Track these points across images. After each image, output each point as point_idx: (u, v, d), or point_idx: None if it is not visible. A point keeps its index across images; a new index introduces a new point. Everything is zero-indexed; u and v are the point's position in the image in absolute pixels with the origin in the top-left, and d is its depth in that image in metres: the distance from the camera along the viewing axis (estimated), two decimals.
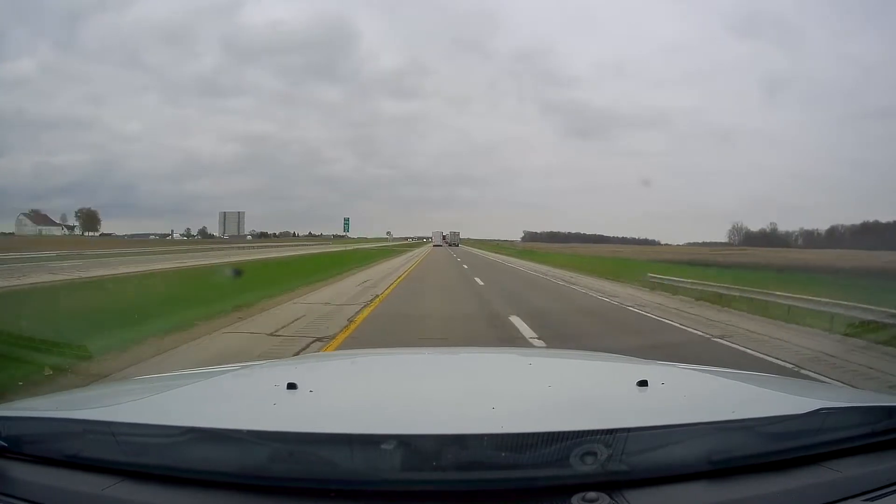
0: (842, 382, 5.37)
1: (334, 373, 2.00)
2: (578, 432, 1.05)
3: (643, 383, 1.46)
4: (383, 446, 1.03)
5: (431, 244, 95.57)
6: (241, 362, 2.45)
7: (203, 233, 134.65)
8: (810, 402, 1.31)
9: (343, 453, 1.06)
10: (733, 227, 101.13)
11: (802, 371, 5.95)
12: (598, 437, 1.04)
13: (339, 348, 6.68)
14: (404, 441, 1.05)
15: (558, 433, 1.05)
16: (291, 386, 1.39)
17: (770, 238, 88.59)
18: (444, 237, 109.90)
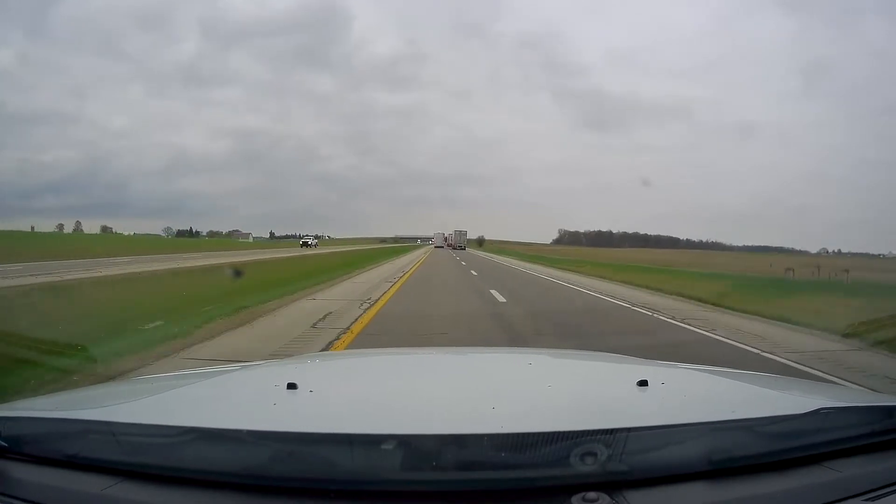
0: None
1: (334, 373, 2.00)
2: (578, 432, 1.06)
3: (643, 383, 1.46)
4: (383, 446, 1.03)
5: (432, 246, 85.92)
6: (240, 363, 2.45)
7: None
8: (810, 402, 1.31)
9: (343, 453, 1.06)
10: None
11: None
12: (598, 437, 1.04)
13: None
14: (404, 441, 1.05)
15: (558, 433, 1.05)
16: (291, 386, 1.40)
17: None
18: (445, 238, 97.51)
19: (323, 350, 6.47)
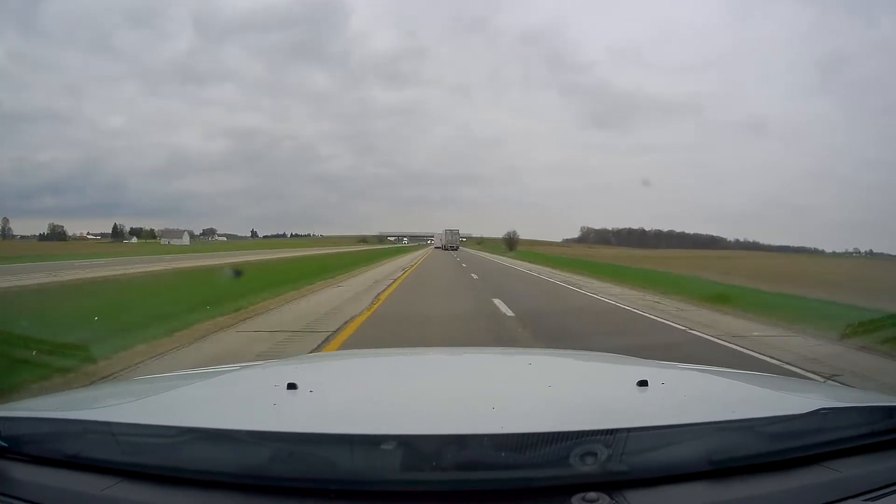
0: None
1: (334, 373, 2.00)
2: (578, 432, 1.06)
3: (643, 383, 1.46)
4: (383, 446, 1.03)
5: (430, 248, 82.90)
6: (241, 363, 2.45)
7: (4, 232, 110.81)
8: (810, 402, 1.31)
9: (343, 453, 1.06)
10: None
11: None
12: (599, 437, 1.04)
13: None
14: (404, 441, 1.05)
15: (558, 433, 1.05)
16: (291, 386, 1.40)
17: None
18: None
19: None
